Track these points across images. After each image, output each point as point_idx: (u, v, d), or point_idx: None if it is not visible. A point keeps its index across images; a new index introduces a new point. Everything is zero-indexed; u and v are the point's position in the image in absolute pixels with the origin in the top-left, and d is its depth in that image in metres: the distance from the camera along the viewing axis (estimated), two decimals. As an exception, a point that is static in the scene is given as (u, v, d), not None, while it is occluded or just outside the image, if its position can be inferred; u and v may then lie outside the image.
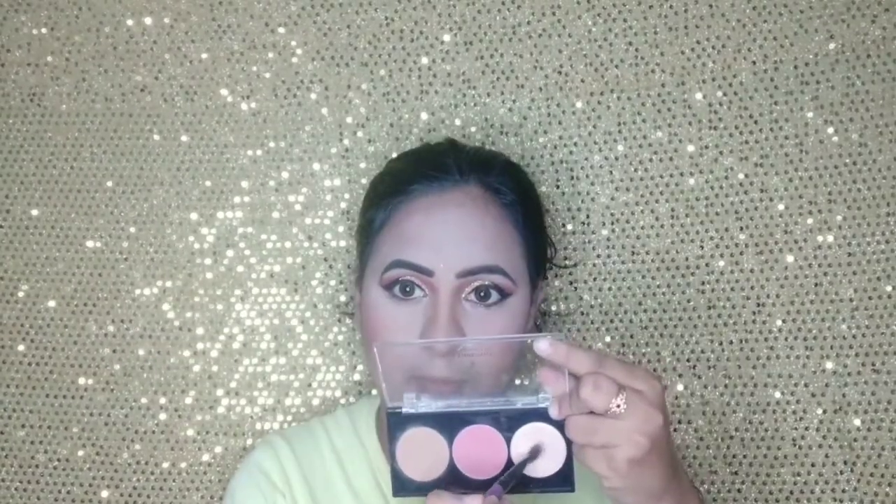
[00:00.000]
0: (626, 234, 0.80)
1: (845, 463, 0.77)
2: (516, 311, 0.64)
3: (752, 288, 0.79)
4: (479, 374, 0.62)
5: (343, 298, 0.81)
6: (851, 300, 0.77)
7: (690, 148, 0.79)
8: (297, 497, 0.68)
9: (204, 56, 0.82)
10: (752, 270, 0.79)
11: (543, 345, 0.51)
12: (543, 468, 0.54)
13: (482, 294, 0.63)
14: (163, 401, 0.81)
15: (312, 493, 0.68)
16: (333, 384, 0.81)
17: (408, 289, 0.63)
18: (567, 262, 0.80)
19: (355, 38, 0.81)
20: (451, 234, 0.63)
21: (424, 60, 0.81)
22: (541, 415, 0.54)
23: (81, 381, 0.81)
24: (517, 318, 0.65)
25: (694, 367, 0.79)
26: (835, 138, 0.78)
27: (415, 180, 0.66)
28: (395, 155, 0.79)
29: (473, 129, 0.81)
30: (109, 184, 0.82)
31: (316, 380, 0.81)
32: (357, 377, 0.82)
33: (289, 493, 0.68)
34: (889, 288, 0.77)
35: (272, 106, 0.82)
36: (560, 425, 0.53)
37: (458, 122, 0.81)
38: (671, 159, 0.80)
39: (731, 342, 0.79)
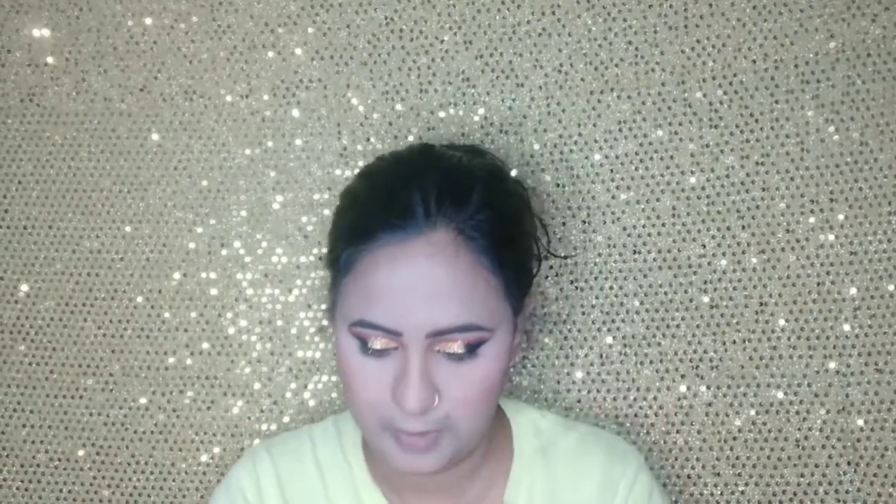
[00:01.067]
0: (627, 233, 0.82)
1: (849, 463, 0.79)
2: (496, 352, 0.61)
3: (754, 287, 0.80)
4: (456, 424, 0.61)
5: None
6: (854, 299, 0.79)
7: (691, 147, 0.81)
8: None
9: (203, 56, 0.84)
10: (754, 270, 0.80)
11: None
12: None
13: (465, 347, 0.60)
14: (161, 401, 0.83)
15: None
16: (330, 385, 0.83)
17: (374, 345, 0.60)
18: (560, 253, 0.80)
19: (354, 38, 0.83)
20: (419, 292, 0.58)
21: (424, 59, 0.83)
22: None
23: (81, 381, 0.84)
24: (496, 361, 0.62)
25: (696, 367, 0.81)
26: (836, 137, 0.79)
27: (379, 228, 0.60)
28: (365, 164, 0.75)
29: (473, 128, 0.83)
30: (107, 183, 0.85)
31: (312, 381, 0.83)
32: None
33: None
34: (891, 287, 0.78)
35: (271, 105, 0.84)
36: None
37: (457, 121, 0.83)
38: (672, 158, 0.82)
39: (734, 342, 0.81)
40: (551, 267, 0.82)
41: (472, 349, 0.60)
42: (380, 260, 0.59)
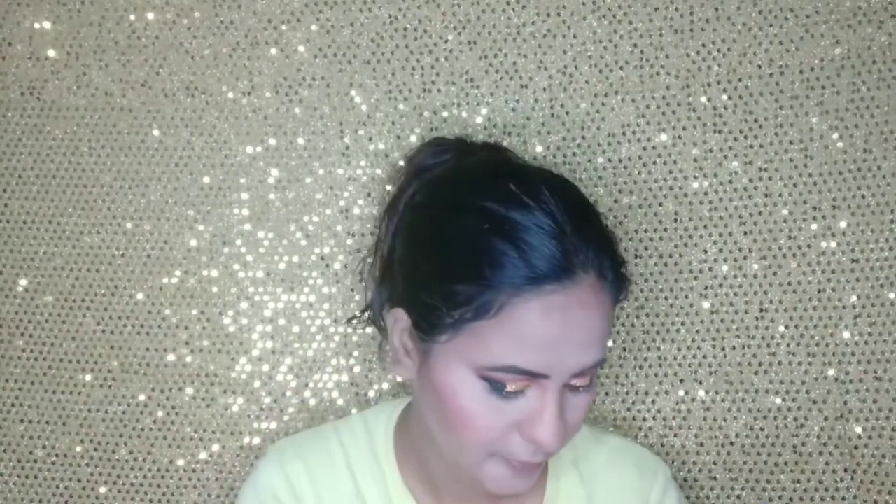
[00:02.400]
0: (629, 236, 0.84)
1: (846, 470, 0.81)
2: (595, 385, 0.67)
3: (755, 293, 0.83)
4: (554, 453, 0.65)
5: (340, 299, 0.86)
6: (854, 307, 0.81)
7: (695, 151, 0.84)
8: None
9: (206, 52, 0.86)
10: (755, 276, 0.83)
11: None
12: None
13: (577, 385, 0.64)
14: (160, 398, 0.86)
15: None
16: (330, 385, 0.86)
17: (512, 387, 0.62)
18: None
19: (358, 36, 0.86)
20: (575, 338, 0.61)
21: (427, 59, 0.85)
22: None
23: (80, 377, 0.86)
24: (596, 383, 0.67)
25: (695, 372, 0.84)
26: (840, 144, 0.82)
27: (525, 269, 0.60)
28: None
29: (476, 129, 0.85)
30: (107, 179, 0.87)
31: (312, 380, 0.86)
32: (353, 378, 0.86)
33: None
34: (892, 295, 0.81)
35: (273, 103, 0.86)
36: None
37: (460, 121, 0.85)
38: (675, 162, 0.84)
39: (734, 347, 0.83)
40: None
41: (589, 381, 0.64)
42: (532, 307, 0.60)
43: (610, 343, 0.85)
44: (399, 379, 0.86)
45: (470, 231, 0.63)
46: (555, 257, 0.60)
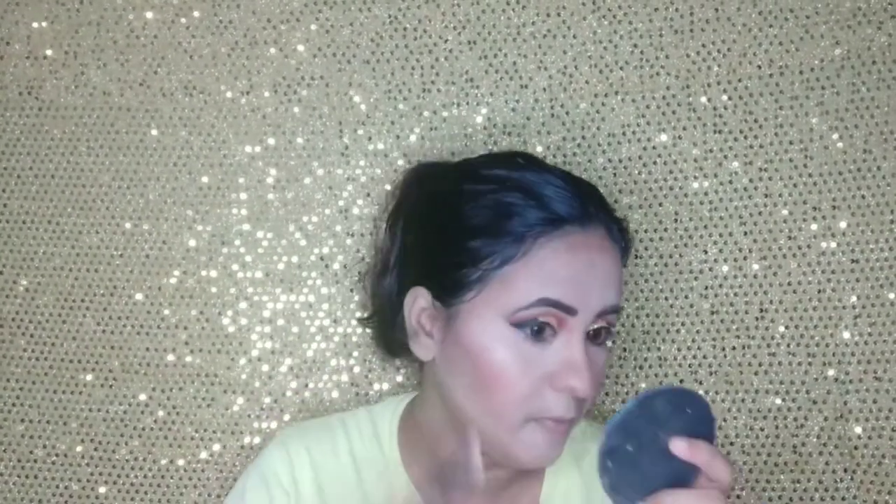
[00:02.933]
0: (630, 237, 0.85)
1: (845, 471, 0.82)
2: (607, 347, 0.70)
3: (755, 293, 0.84)
4: (585, 409, 0.68)
5: (340, 299, 0.87)
6: (854, 307, 0.82)
7: (695, 151, 0.84)
8: (308, 501, 0.72)
9: (204, 51, 0.87)
10: (755, 276, 0.84)
11: (682, 446, 0.57)
12: None
13: (591, 333, 0.67)
14: (161, 398, 0.87)
15: (323, 499, 0.72)
16: (330, 385, 0.87)
17: (536, 328, 0.65)
18: None
19: (357, 36, 0.86)
20: (597, 275, 0.66)
21: (427, 59, 0.86)
22: None
23: (81, 377, 0.87)
24: (608, 353, 0.70)
25: (695, 372, 0.85)
26: (839, 144, 0.82)
27: (548, 215, 0.66)
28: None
29: (476, 129, 0.86)
30: (106, 178, 0.87)
31: (312, 380, 0.87)
32: (352, 378, 0.87)
33: (294, 497, 0.72)
34: (892, 295, 0.82)
35: (272, 102, 0.87)
36: None
37: (460, 121, 0.86)
38: (675, 163, 0.85)
39: (734, 347, 0.84)
40: None
41: (606, 335, 0.68)
42: (558, 246, 0.66)
43: (609, 343, 0.85)
44: (399, 378, 0.87)
45: (483, 193, 0.68)
46: (572, 202, 0.67)
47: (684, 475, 0.58)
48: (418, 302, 0.70)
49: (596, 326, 0.67)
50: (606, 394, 0.86)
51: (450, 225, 0.70)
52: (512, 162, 0.72)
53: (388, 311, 0.77)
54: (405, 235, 0.76)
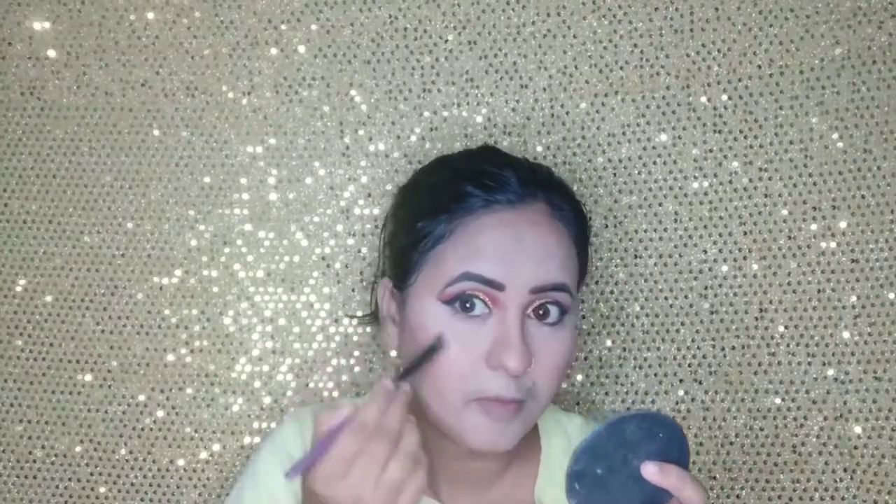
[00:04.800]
0: (629, 237, 0.85)
1: (845, 470, 0.82)
2: (573, 326, 0.68)
3: (754, 293, 0.84)
4: (537, 395, 0.66)
5: (341, 299, 0.86)
6: (854, 307, 0.82)
7: (695, 151, 0.84)
8: None
9: (206, 52, 0.87)
10: (755, 276, 0.84)
11: (652, 470, 0.57)
12: None
13: (541, 312, 0.66)
14: (160, 398, 0.86)
15: None
16: (331, 384, 0.87)
17: (468, 304, 0.65)
18: (602, 266, 0.85)
19: (358, 36, 0.86)
20: (528, 250, 0.65)
21: (427, 59, 0.86)
22: None
23: (80, 377, 0.87)
24: (573, 331, 0.68)
25: (695, 372, 0.84)
26: (839, 144, 0.82)
27: (481, 195, 0.67)
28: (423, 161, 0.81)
29: (476, 128, 0.86)
30: (108, 179, 0.87)
31: (312, 379, 0.86)
32: (353, 378, 0.87)
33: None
34: (892, 295, 0.82)
35: (273, 103, 0.87)
36: None
37: (460, 121, 0.86)
38: (675, 162, 0.85)
39: (734, 347, 0.84)
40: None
41: (557, 316, 0.66)
42: (486, 223, 0.66)
43: (609, 343, 0.85)
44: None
45: (436, 181, 0.72)
46: (506, 182, 0.68)
47: (656, 499, 0.58)
48: (385, 292, 0.73)
49: (537, 304, 0.65)
50: (606, 393, 0.86)
51: (401, 213, 0.73)
52: (469, 153, 0.75)
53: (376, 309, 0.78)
54: (381, 234, 0.80)
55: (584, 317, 0.86)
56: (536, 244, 0.66)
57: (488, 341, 0.64)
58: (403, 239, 0.71)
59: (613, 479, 0.57)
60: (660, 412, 0.61)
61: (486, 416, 0.65)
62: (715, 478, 0.84)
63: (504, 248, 0.65)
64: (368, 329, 0.86)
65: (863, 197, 0.82)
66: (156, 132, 0.88)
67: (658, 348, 0.85)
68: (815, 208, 0.83)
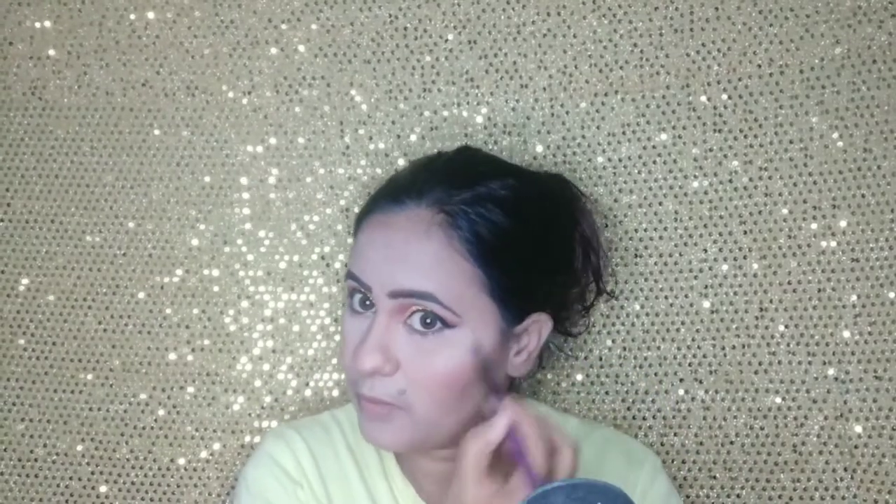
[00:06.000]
0: (629, 236, 0.85)
1: (845, 470, 0.82)
2: (465, 343, 0.65)
3: (754, 293, 0.84)
4: (412, 405, 0.65)
5: (341, 298, 0.86)
6: (854, 306, 0.82)
7: (695, 151, 0.84)
8: (315, 489, 0.72)
9: (206, 51, 0.87)
10: (755, 275, 0.84)
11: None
12: None
13: (427, 321, 0.65)
14: (161, 397, 0.87)
15: (327, 489, 0.73)
16: (331, 384, 0.87)
17: (360, 302, 0.68)
18: (608, 289, 0.83)
19: (358, 36, 0.86)
20: (386, 253, 0.66)
21: (427, 58, 0.86)
22: None
23: (81, 375, 0.87)
24: (467, 350, 0.65)
25: (695, 371, 0.84)
26: (840, 143, 0.82)
27: (381, 196, 0.71)
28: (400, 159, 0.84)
29: (476, 128, 0.86)
30: (109, 178, 0.88)
31: (313, 378, 0.87)
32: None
33: (307, 485, 0.72)
34: (892, 294, 0.82)
35: (273, 102, 0.87)
36: None
37: (460, 121, 0.86)
38: (675, 162, 0.85)
39: (734, 347, 0.84)
40: (593, 305, 0.83)
41: (431, 325, 0.65)
42: (369, 225, 0.70)
43: (609, 343, 0.85)
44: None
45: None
46: (396, 188, 0.70)
47: None
48: None
49: (412, 311, 0.65)
50: (606, 393, 0.86)
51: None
52: (436, 155, 0.77)
53: None
54: None
55: (583, 316, 0.85)
56: (399, 248, 0.66)
57: (360, 334, 0.67)
58: None
59: None
60: (596, 480, 0.54)
61: (361, 412, 0.68)
62: (715, 477, 0.84)
63: (371, 249, 0.68)
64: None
65: (863, 196, 0.82)
66: (156, 132, 0.88)
67: (658, 348, 0.85)
68: (815, 207, 0.83)
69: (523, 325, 0.70)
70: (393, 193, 0.69)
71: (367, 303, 0.68)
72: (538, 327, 0.71)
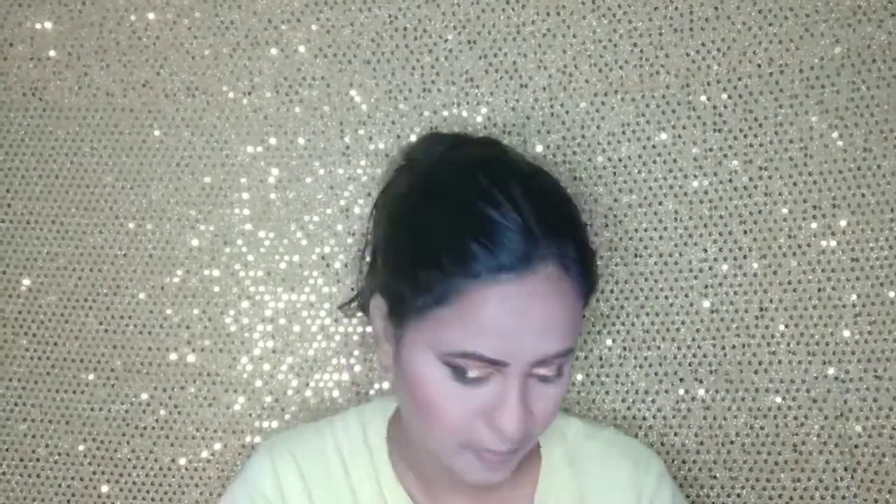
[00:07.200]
0: (629, 236, 0.85)
1: (846, 469, 0.82)
2: (570, 369, 0.68)
3: (754, 292, 0.83)
4: (534, 435, 0.67)
5: (341, 298, 0.87)
6: (854, 306, 0.82)
7: (694, 150, 0.84)
8: None
9: (206, 52, 0.87)
10: (755, 274, 0.83)
11: None
12: None
13: (547, 375, 0.65)
14: (162, 397, 0.87)
15: (311, 500, 0.72)
16: (331, 384, 0.87)
17: (476, 372, 0.63)
18: (601, 265, 0.84)
19: (358, 36, 0.86)
20: (532, 327, 0.62)
21: (427, 59, 0.86)
22: None
23: (83, 376, 0.87)
24: (570, 373, 0.68)
25: (695, 371, 0.84)
26: (839, 143, 0.82)
27: (485, 260, 0.62)
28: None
29: (476, 128, 0.86)
30: (109, 179, 0.88)
31: (313, 379, 0.87)
32: (353, 377, 0.87)
33: None
34: (892, 294, 0.81)
35: (273, 102, 0.87)
36: None
37: (460, 121, 0.86)
38: (675, 161, 0.84)
39: (734, 346, 0.84)
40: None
41: (559, 371, 0.65)
42: (489, 296, 0.62)
43: (609, 342, 0.85)
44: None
45: (437, 220, 0.65)
46: (514, 251, 0.62)
47: None
48: (379, 310, 0.70)
49: (540, 373, 0.64)
50: (606, 392, 0.86)
51: (406, 243, 0.68)
52: (475, 181, 0.65)
53: (367, 306, 0.75)
54: (378, 228, 0.76)
55: (584, 316, 0.85)
56: (544, 317, 0.62)
57: (486, 400, 0.63)
58: (403, 280, 0.66)
59: None
60: None
61: (479, 461, 0.65)
62: (715, 477, 0.84)
63: (509, 326, 0.62)
64: (368, 328, 0.86)
65: (863, 195, 0.82)
66: (157, 132, 0.88)
67: (658, 347, 0.85)
68: (815, 207, 0.83)
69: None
70: (507, 261, 0.62)
71: (479, 374, 0.63)
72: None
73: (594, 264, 0.69)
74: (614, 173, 0.85)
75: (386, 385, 0.87)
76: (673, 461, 0.85)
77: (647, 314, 0.85)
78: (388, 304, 0.69)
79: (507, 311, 0.62)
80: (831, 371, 0.82)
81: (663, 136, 0.84)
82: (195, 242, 0.87)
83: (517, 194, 0.64)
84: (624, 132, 0.85)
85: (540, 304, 0.62)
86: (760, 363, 0.83)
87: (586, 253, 0.67)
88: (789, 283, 0.83)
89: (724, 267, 0.84)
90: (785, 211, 0.83)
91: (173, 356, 0.87)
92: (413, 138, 0.86)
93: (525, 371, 0.63)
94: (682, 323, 0.85)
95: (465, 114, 0.86)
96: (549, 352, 0.63)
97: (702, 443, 0.84)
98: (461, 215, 0.64)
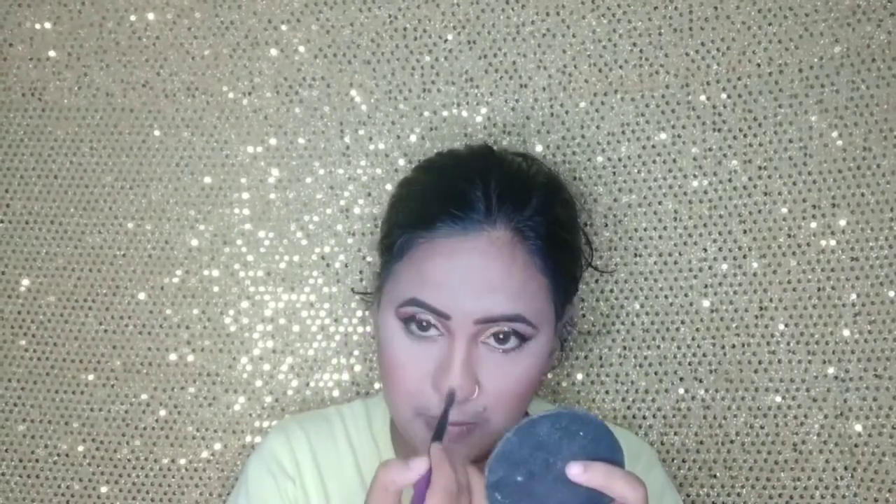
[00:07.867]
0: (629, 235, 0.85)
1: (846, 468, 0.82)
2: (536, 353, 0.66)
3: (754, 292, 0.83)
4: (490, 418, 0.66)
5: (341, 298, 0.86)
6: (854, 305, 0.82)
7: (694, 150, 0.84)
8: (307, 485, 0.73)
9: (206, 52, 0.87)
10: (754, 274, 0.83)
11: (576, 470, 0.54)
12: None
13: (500, 337, 0.65)
14: (162, 397, 0.86)
15: (324, 483, 0.74)
16: (331, 384, 0.87)
17: (423, 324, 0.65)
18: (602, 265, 0.84)
19: (358, 36, 0.86)
20: (473, 282, 0.64)
21: (427, 59, 0.86)
22: None
23: (82, 376, 0.87)
24: (537, 360, 0.66)
25: (695, 370, 0.84)
26: (839, 142, 0.82)
27: (439, 217, 0.66)
28: (415, 161, 0.82)
29: (476, 128, 0.86)
30: (109, 179, 0.88)
31: (313, 379, 0.87)
32: (353, 377, 0.87)
33: (299, 481, 0.74)
34: (892, 293, 0.81)
35: (273, 103, 0.87)
36: None
37: (460, 121, 0.86)
38: (675, 161, 0.84)
39: (734, 346, 0.84)
40: (586, 268, 0.83)
41: (515, 343, 0.65)
42: (438, 249, 0.65)
43: (609, 341, 0.85)
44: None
45: (412, 189, 0.72)
46: (468, 210, 0.65)
47: (595, 500, 0.55)
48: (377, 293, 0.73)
49: (495, 329, 0.64)
50: (607, 392, 0.86)
51: (390, 207, 0.74)
52: (458, 157, 0.73)
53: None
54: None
55: (584, 315, 0.86)
56: (485, 277, 0.64)
57: (433, 362, 0.65)
58: (380, 244, 0.72)
59: (538, 485, 0.54)
60: (578, 409, 0.56)
61: (428, 430, 0.65)
62: (715, 476, 0.84)
63: (449, 278, 0.64)
64: (369, 329, 0.86)
65: (862, 195, 0.82)
66: (156, 132, 0.88)
67: (658, 347, 0.85)
68: (814, 206, 0.83)
69: (562, 320, 0.71)
70: (458, 214, 0.65)
71: (425, 324, 0.65)
72: (563, 319, 0.72)
73: (570, 246, 0.71)
74: (614, 173, 0.85)
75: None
76: (673, 460, 0.85)
77: (647, 313, 0.85)
78: (378, 279, 0.73)
79: (452, 266, 0.64)
80: (831, 370, 0.82)
81: (663, 135, 0.84)
82: (195, 242, 0.87)
83: (494, 172, 0.68)
84: (624, 132, 0.85)
85: (482, 261, 0.64)
86: (760, 362, 0.83)
87: (560, 231, 0.68)
88: (789, 282, 0.83)
89: (724, 266, 0.84)
90: (784, 210, 0.83)
91: (173, 356, 0.87)
92: (413, 139, 0.86)
93: (471, 332, 0.64)
94: (682, 322, 0.84)
95: (465, 114, 0.86)
96: (492, 312, 0.64)
97: (702, 442, 0.84)
98: (434, 181, 0.70)
